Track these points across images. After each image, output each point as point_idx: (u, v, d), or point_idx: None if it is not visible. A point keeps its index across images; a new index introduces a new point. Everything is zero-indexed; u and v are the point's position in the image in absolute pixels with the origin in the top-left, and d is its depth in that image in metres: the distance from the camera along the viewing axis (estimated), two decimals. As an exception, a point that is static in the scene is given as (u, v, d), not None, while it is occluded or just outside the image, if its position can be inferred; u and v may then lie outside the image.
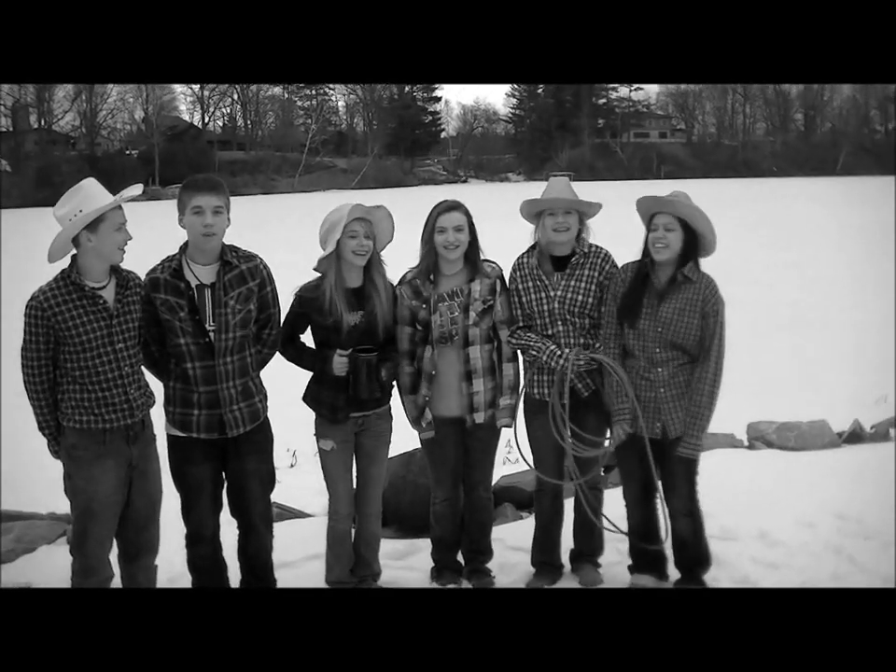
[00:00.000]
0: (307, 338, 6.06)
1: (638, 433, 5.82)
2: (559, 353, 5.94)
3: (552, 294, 6.00)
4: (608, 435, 6.09)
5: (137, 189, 5.44)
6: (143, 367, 5.54)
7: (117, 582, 5.54)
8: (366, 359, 5.74)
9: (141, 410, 5.38)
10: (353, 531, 6.21)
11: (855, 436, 9.75)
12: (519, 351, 6.14)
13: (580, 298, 5.98)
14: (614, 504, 6.30)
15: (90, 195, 5.17)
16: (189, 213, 5.36)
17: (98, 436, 5.24)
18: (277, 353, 5.91)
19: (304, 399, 6.06)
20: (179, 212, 5.42)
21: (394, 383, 6.12)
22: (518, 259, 6.18)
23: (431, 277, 6.03)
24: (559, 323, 6.01)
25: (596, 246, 6.12)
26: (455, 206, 6.00)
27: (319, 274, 5.91)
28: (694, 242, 5.76)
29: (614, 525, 6.22)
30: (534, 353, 6.00)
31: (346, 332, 5.82)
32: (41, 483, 6.53)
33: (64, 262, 5.25)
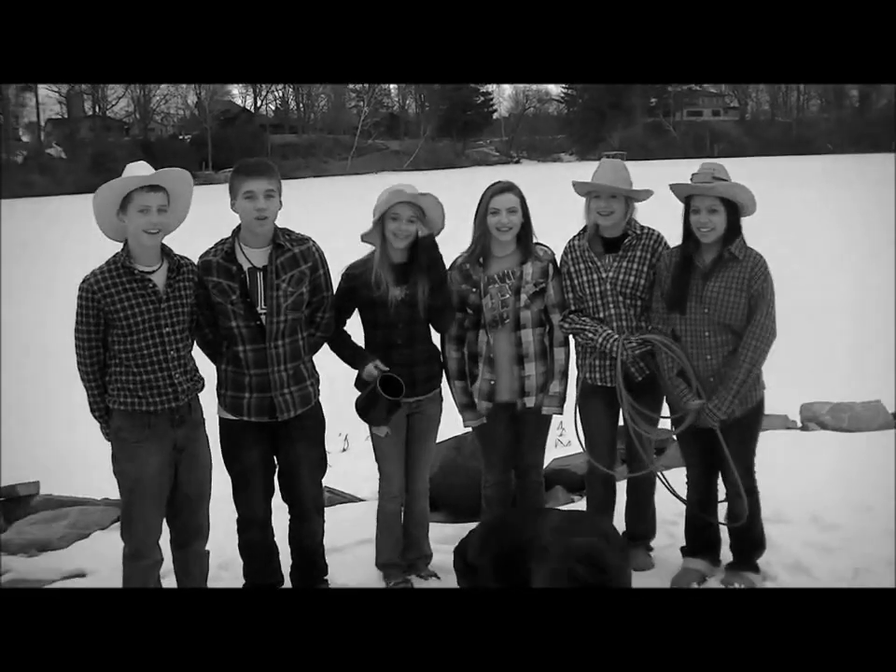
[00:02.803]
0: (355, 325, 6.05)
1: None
2: (615, 337, 5.87)
3: (603, 276, 5.94)
4: (665, 414, 6.07)
5: (144, 170, 5.31)
6: (196, 349, 5.57)
7: (168, 566, 5.58)
8: (387, 401, 5.59)
9: (187, 394, 5.37)
10: (402, 513, 6.22)
11: (910, 416, 9.63)
12: (571, 335, 6.09)
13: (631, 279, 5.92)
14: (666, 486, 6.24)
15: (128, 174, 5.22)
16: (242, 198, 5.37)
17: (143, 418, 5.26)
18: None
19: (356, 384, 6.00)
20: (231, 196, 5.44)
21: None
22: (569, 241, 6.13)
23: (481, 260, 6.01)
24: (611, 305, 5.95)
25: (649, 228, 6.06)
26: (508, 188, 5.96)
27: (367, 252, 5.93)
28: (738, 216, 5.64)
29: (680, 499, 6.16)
30: (589, 335, 5.93)
31: (394, 307, 5.83)
32: (95, 469, 6.58)
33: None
